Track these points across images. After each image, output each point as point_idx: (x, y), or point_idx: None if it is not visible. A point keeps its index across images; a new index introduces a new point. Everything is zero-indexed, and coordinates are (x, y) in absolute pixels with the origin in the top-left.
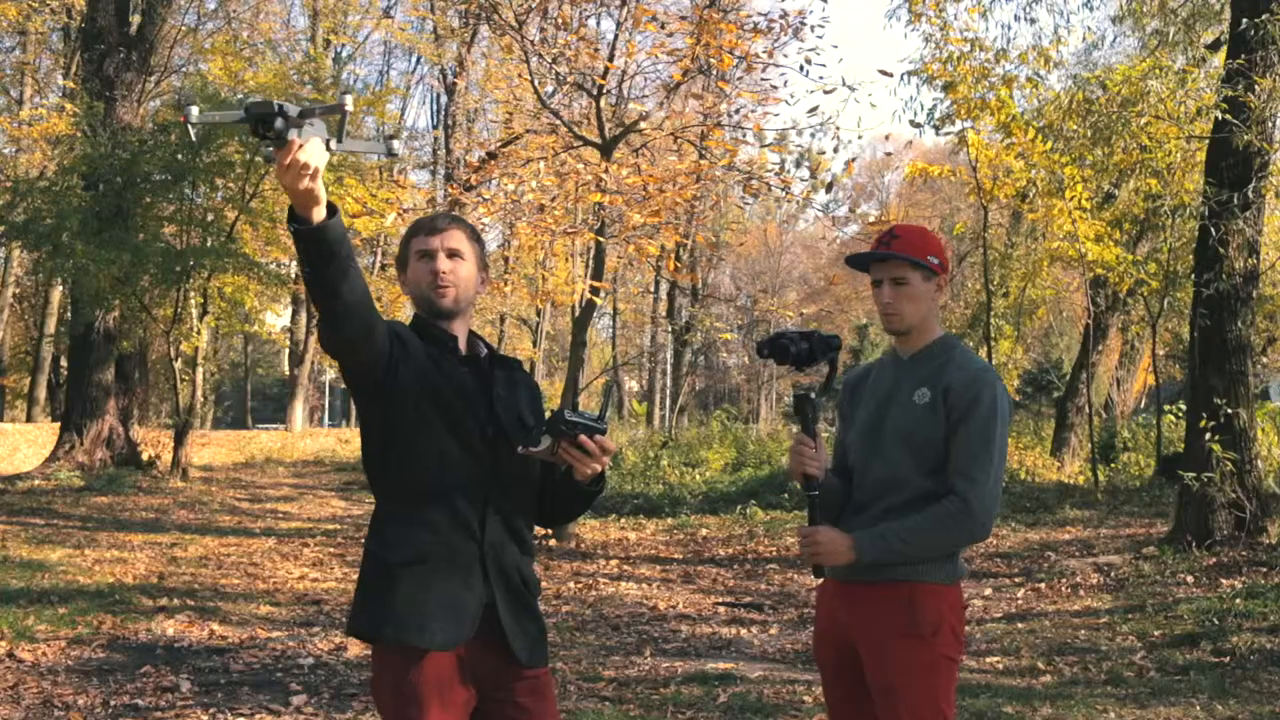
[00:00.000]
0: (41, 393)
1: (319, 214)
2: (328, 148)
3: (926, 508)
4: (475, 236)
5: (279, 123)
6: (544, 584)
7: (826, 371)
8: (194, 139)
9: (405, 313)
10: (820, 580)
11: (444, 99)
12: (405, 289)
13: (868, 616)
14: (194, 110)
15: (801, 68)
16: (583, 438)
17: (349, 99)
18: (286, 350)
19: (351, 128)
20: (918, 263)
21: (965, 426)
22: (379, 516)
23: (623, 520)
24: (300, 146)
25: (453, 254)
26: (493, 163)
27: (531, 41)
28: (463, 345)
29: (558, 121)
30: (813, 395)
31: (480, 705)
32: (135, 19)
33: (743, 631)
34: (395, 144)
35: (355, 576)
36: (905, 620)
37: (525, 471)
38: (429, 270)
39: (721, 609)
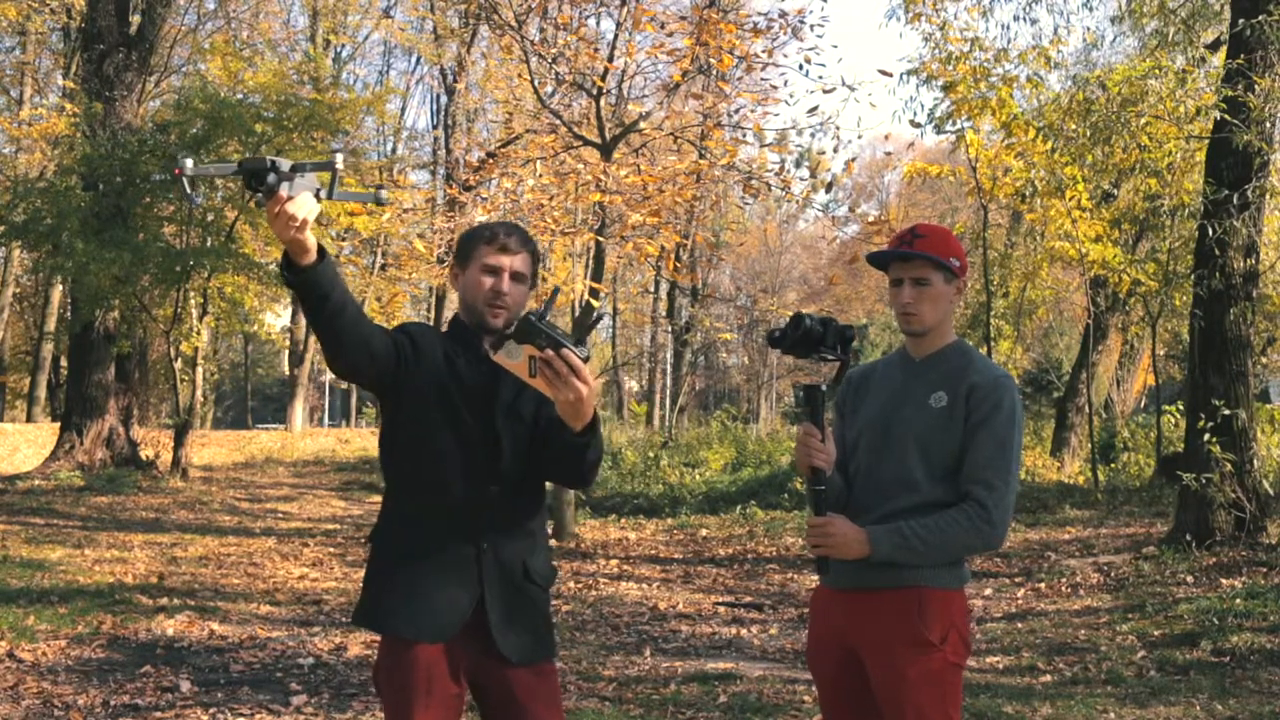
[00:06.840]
0: (41, 393)
1: (309, 260)
2: (318, 198)
3: (937, 513)
4: (537, 256)
5: (271, 177)
6: None
7: (838, 365)
8: (188, 191)
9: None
10: (822, 578)
11: (444, 99)
12: (454, 285)
13: (874, 624)
14: (189, 162)
15: (801, 67)
16: (549, 352)
17: (339, 157)
18: (286, 350)
19: (341, 184)
20: (941, 263)
21: (985, 430)
22: (385, 510)
23: (623, 520)
24: (289, 199)
25: (516, 277)
26: (492, 162)
27: (531, 41)
28: (488, 346)
29: (558, 121)
30: (823, 387)
31: (479, 700)
32: (135, 19)
33: (743, 631)
34: (383, 193)
35: (355, 576)
36: (914, 628)
37: (529, 464)
38: (491, 288)
39: (721, 609)
